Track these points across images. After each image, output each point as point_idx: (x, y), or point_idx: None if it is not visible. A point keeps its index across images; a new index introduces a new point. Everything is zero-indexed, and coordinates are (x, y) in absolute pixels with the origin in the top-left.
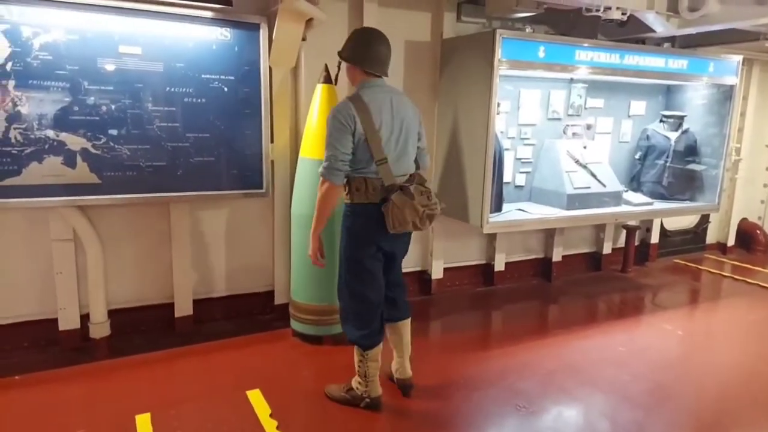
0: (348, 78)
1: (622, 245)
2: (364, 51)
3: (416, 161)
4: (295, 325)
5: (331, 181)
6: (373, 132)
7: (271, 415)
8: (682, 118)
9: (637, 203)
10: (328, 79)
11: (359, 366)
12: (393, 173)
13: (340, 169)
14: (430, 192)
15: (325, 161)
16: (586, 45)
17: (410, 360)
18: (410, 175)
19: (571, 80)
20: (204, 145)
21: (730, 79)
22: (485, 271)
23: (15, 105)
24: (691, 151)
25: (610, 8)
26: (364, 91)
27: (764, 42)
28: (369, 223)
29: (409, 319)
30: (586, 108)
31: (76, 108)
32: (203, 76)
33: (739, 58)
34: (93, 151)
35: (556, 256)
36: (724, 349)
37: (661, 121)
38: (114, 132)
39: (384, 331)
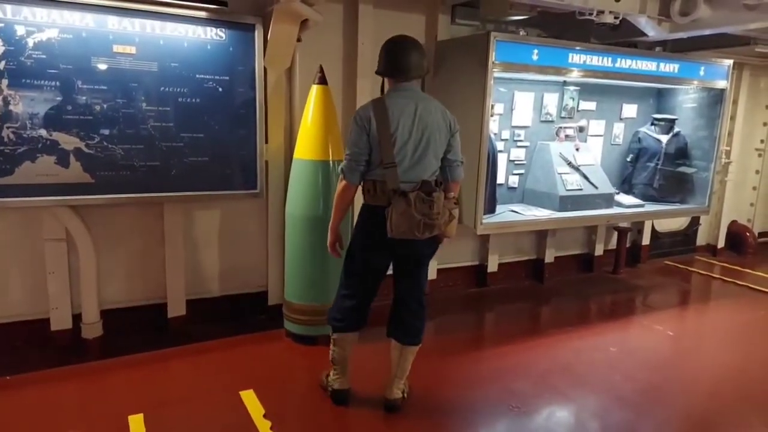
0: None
1: (614, 247)
2: (386, 61)
3: (446, 173)
4: (288, 325)
5: (347, 180)
6: (386, 135)
7: (264, 416)
8: (673, 121)
9: (628, 205)
10: (322, 80)
11: (330, 349)
12: (401, 178)
13: (356, 169)
14: (433, 202)
15: (344, 160)
16: (578, 48)
17: (405, 384)
18: (420, 182)
19: (564, 83)
20: (198, 145)
21: (721, 83)
22: (478, 272)
23: (8, 104)
24: (681, 154)
25: (602, 12)
26: (389, 95)
27: (754, 47)
28: (375, 224)
29: (415, 348)
30: (578, 110)
31: (69, 107)
32: (198, 76)
33: (729, 62)
34: (86, 150)
35: (549, 258)
36: (714, 350)
37: (652, 124)
38: (107, 131)
39: (359, 324)
